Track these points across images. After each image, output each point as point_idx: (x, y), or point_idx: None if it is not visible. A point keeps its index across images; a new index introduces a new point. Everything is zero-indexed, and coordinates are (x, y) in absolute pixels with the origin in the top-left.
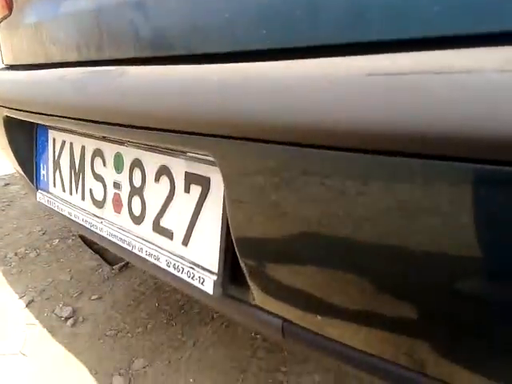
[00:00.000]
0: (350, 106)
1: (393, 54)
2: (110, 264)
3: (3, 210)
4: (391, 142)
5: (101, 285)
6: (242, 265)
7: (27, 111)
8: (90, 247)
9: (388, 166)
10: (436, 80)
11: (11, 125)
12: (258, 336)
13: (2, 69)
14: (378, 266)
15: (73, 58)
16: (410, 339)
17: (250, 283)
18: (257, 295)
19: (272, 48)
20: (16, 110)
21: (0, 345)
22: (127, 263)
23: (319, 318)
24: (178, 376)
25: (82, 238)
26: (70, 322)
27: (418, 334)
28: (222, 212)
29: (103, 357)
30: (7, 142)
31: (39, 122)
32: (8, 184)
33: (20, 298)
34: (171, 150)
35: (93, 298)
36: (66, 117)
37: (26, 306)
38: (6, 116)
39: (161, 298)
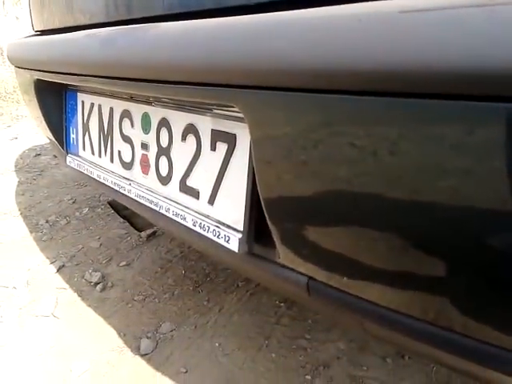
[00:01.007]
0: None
1: None
2: (139, 230)
3: (34, 180)
4: (438, 84)
5: (129, 252)
6: (269, 223)
7: (57, 72)
8: (119, 213)
9: (437, 113)
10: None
11: (42, 90)
12: (283, 304)
13: (33, 35)
14: (406, 224)
15: (100, 19)
16: (435, 295)
17: (276, 241)
18: (282, 253)
19: None
20: (47, 72)
21: (33, 307)
22: (155, 232)
23: (345, 275)
24: (203, 340)
25: (111, 204)
26: (99, 287)
27: (445, 290)
28: (247, 169)
29: (131, 320)
30: (38, 107)
31: (69, 82)
32: (39, 154)
33: (51, 263)
34: (198, 107)
35: (121, 264)
36: (94, 75)
37: (57, 271)
38: (37, 80)
39: (187, 266)
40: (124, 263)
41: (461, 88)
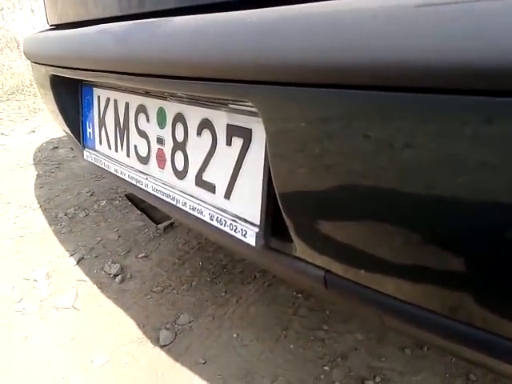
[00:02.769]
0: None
1: None
2: (156, 223)
3: (52, 173)
4: (454, 79)
5: (147, 244)
6: (285, 217)
7: (72, 68)
8: (136, 206)
9: (448, 109)
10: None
11: (58, 85)
12: (300, 295)
13: (48, 29)
14: (423, 217)
15: (114, 12)
16: (454, 289)
17: (293, 235)
18: (299, 247)
19: None
20: (62, 67)
21: (54, 299)
22: (172, 223)
23: (363, 268)
24: (221, 331)
25: (129, 197)
26: (118, 278)
27: (464, 284)
28: (263, 164)
29: (150, 312)
30: (55, 102)
31: (85, 78)
32: (56, 147)
33: (71, 255)
34: (213, 102)
35: (139, 256)
36: (109, 71)
37: (77, 263)
38: (53, 75)
39: (204, 258)
40: (142, 255)
41: (485, 83)
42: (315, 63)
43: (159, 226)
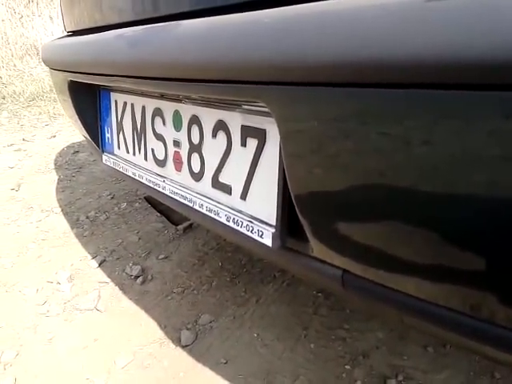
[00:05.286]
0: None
1: None
2: (175, 224)
3: (73, 177)
4: (468, 74)
5: (167, 245)
6: (301, 217)
7: (90, 73)
8: (155, 208)
9: (466, 104)
10: None
11: (76, 90)
12: (320, 294)
13: (65, 36)
14: (443, 216)
15: (129, 18)
16: (476, 288)
17: (309, 235)
18: (315, 247)
19: None
20: (79, 73)
21: (77, 301)
22: (191, 224)
23: (381, 268)
24: (242, 331)
25: (148, 199)
26: (139, 280)
27: (486, 282)
28: (278, 164)
29: (171, 312)
30: (73, 107)
31: (102, 83)
32: (77, 152)
33: (92, 258)
34: (227, 103)
35: (160, 257)
36: (125, 76)
37: (99, 265)
38: (71, 81)
39: (224, 258)
40: (162, 256)
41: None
42: (328, 62)
43: (178, 227)
